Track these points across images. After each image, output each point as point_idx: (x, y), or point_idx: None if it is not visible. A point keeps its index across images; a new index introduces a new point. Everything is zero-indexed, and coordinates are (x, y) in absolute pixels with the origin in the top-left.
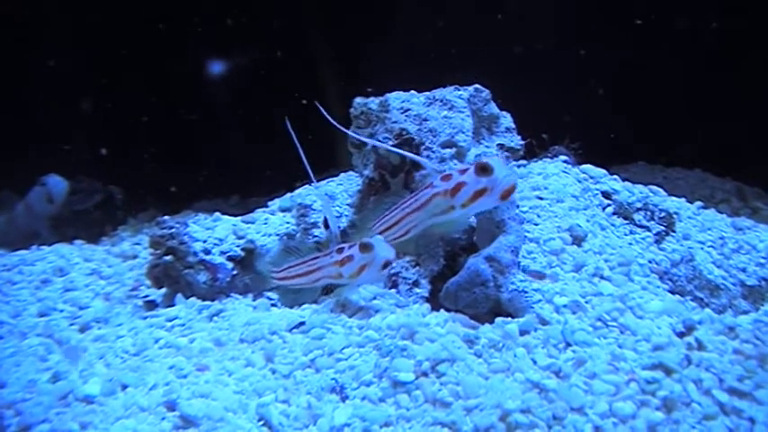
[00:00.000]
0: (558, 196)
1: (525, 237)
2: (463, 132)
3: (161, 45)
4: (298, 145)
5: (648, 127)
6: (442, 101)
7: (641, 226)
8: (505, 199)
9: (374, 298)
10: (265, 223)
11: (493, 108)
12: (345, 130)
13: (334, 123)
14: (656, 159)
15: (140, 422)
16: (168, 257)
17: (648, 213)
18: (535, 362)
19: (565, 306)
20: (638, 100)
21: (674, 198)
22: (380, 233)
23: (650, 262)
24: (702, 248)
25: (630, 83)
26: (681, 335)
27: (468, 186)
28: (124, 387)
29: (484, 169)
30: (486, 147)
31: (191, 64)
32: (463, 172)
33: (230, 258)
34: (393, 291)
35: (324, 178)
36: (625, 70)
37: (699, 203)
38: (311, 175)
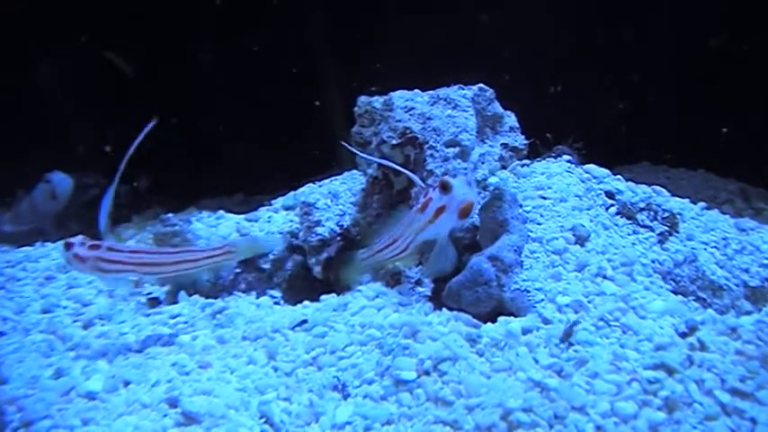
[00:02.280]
0: (562, 196)
1: (528, 236)
2: (467, 131)
3: (165, 43)
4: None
5: (652, 127)
6: (445, 100)
7: (644, 226)
8: (463, 218)
9: (377, 296)
10: (268, 221)
11: (497, 107)
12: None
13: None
14: (660, 160)
15: (142, 419)
16: None
17: (652, 213)
18: (537, 361)
19: (567, 305)
20: (642, 100)
21: (677, 198)
22: (381, 250)
23: (653, 262)
24: (705, 249)
25: (635, 83)
26: (683, 335)
27: (433, 203)
28: (126, 384)
29: (444, 187)
30: (490, 146)
31: (195, 62)
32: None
33: None
34: (395, 289)
35: (327, 177)
36: (629, 70)
37: (702, 204)
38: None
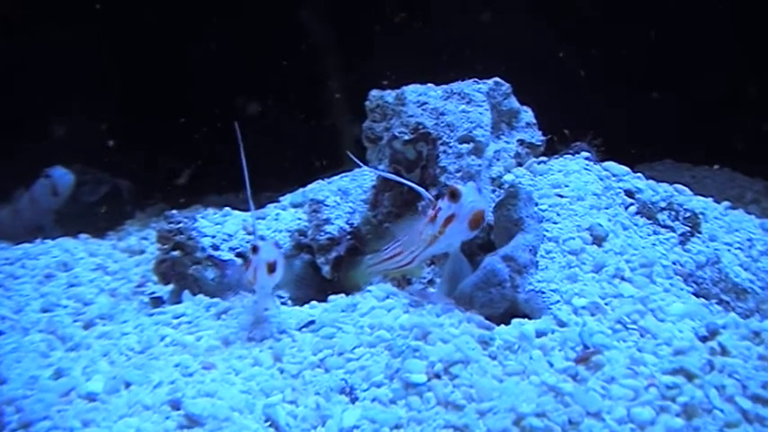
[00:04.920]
0: (579, 194)
1: (544, 236)
2: (481, 127)
3: (172, 36)
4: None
5: (676, 124)
6: (460, 94)
7: (665, 226)
8: (474, 228)
9: (387, 297)
10: (276, 219)
11: (513, 102)
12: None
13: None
14: (684, 157)
15: (144, 420)
16: (176, 253)
17: (673, 213)
18: (551, 365)
19: (583, 308)
20: (665, 96)
21: (700, 198)
22: (386, 259)
23: (674, 264)
24: (729, 250)
25: (657, 78)
26: (704, 339)
27: (442, 212)
28: (128, 385)
29: (453, 194)
30: (506, 142)
31: (202, 56)
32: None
33: (239, 254)
34: (406, 290)
35: (336, 173)
36: (651, 65)
37: (726, 203)
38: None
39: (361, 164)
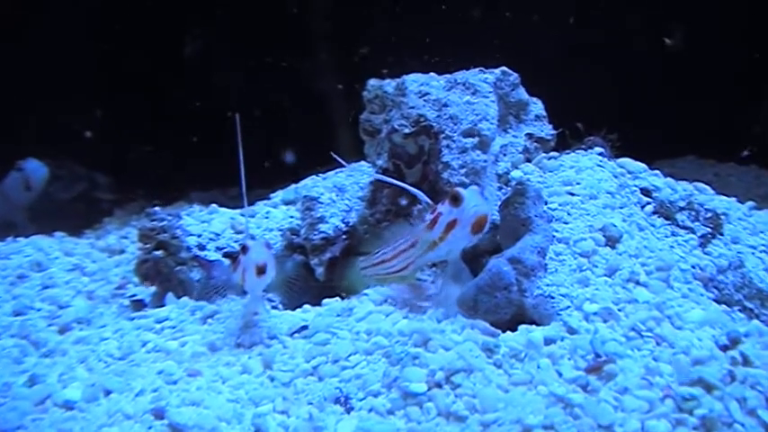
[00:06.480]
0: (592, 192)
1: (553, 236)
2: (487, 120)
3: (156, 27)
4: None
5: (699, 117)
6: (464, 84)
7: (684, 227)
8: (477, 233)
9: (385, 301)
10: (267, 217)
11: (522, 93)
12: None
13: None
14: (708, 153)
15: (125, 430)
16: (159, 252)
17: (693, 213)
18: (560, 374)
19: (595, 314)
20: (687, 87)
21: (722, 197)
22: (376, 264)
23: (693, 267)
24: (753, 254)
25: (678, 68)
26: (724, 348)
27: (443, 217)
28: (108, 393)
29: (455, 198)
30: (514, 136)
31: (189, 48)
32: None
33: (227, 255)
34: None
35: (332, 169)
36: (672, 53)
37: (750, 203)
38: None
39: (344, 163)
